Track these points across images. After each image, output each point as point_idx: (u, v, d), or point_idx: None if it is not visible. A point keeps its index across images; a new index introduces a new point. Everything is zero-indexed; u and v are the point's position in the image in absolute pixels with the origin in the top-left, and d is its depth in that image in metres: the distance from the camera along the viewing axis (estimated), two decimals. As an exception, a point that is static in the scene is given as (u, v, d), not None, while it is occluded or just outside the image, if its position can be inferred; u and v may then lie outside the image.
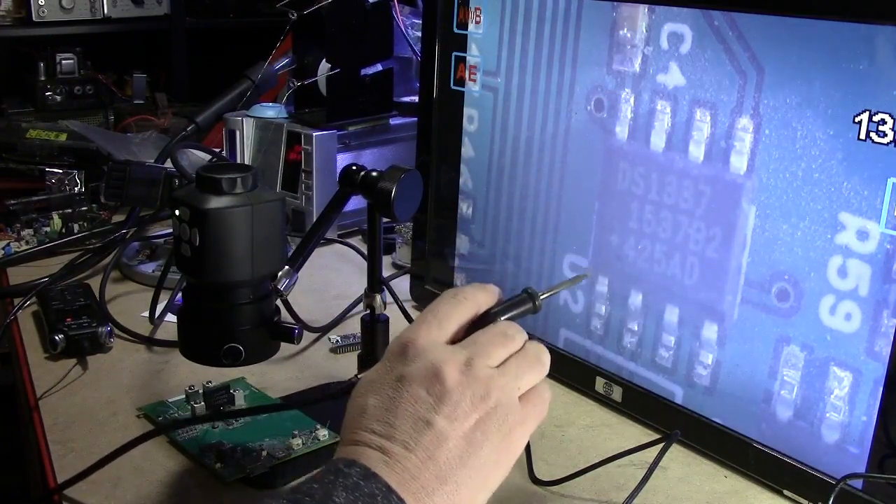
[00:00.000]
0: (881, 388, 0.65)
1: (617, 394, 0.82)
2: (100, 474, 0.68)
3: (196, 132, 1.29)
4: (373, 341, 0.76)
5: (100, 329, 0.90)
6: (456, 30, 0.93)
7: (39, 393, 0.82)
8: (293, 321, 0.93)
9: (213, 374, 0.81)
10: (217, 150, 1.28)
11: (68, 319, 0.91)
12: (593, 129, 0.81)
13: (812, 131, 0.66)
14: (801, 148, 0.67)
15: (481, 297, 0.57)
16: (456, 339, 0.55)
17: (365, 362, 0.77)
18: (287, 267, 0.74)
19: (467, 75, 0.93)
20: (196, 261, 0.66)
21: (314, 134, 1.19)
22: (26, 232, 1.20)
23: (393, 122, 1.29)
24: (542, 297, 0.59)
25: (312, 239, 0.77)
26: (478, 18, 0.91)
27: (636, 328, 0.81)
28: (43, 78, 1.87)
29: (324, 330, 0.96)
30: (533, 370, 0.54)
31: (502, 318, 0.57)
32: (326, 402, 0.80)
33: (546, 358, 0.55)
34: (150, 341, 0.93)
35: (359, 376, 0.57)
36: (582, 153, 0.83)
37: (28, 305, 0.99)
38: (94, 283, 1.03)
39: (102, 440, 0.75)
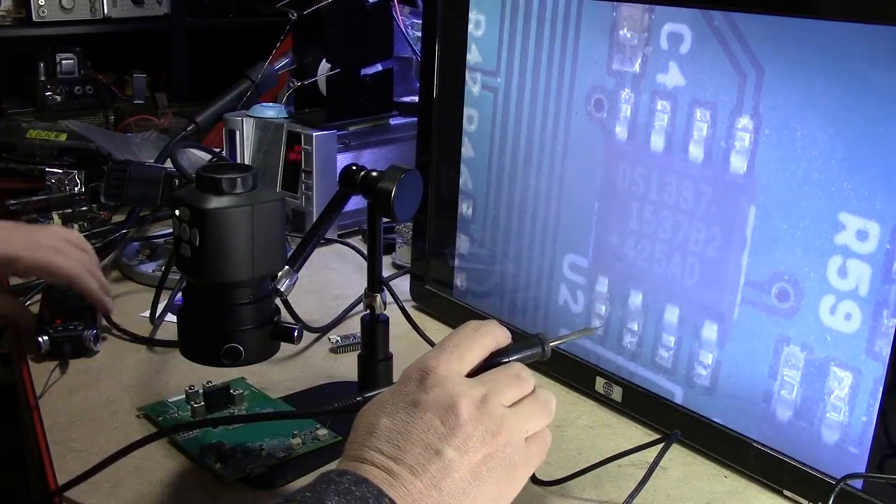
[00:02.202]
0: (881, 388, 0.65)
1: (617, 394, 0.82)
2: (100, 474, 0.68)
3: (196, 132, 1.29)
4: (373, 341, 0.76)
5: (84, 332, 0.89)
6: (456, 30, 0.93)
7: (39, 393, 0.82)
8: (293, 321, 0.93)
9: (213, 374, 0.81)
10: (217, 150, 1.28)
11: (58, 321, 0.90)
12: (593, 129, 0.81)
13: (812, 131, 0.66)
14: (801, 148, 0.67)
15: (500, 335, 0.59)
16: (472, 373, 0.56)
17: (365, 362, 0.78)
18: (287, 267, 0.74)
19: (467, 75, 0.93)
20: (196, 261, 0.66)
21: (314, 134, 1.19)
22: (26, 232, 1.20)
23: (393, 122, 1.29)
24: (551, 344, 0.62)
25: (312, 239, 0.77)
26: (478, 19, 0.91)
27: (636, 328, 0.81)
28: (43, 78, 1.87)
29: (324, 330, 0.97)
30: (541, 415, 0.56)
31: (513, 359, 0.59)
32: (327, 401, 0.80)
33: (553, 405, 0.57)
34: (150, 341, 0.93)
35: (365, 396, 0.58)
36: (582, 153, 0.83)
37: (28, 305, 0.99)
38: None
39: (102, 440, 0.75)
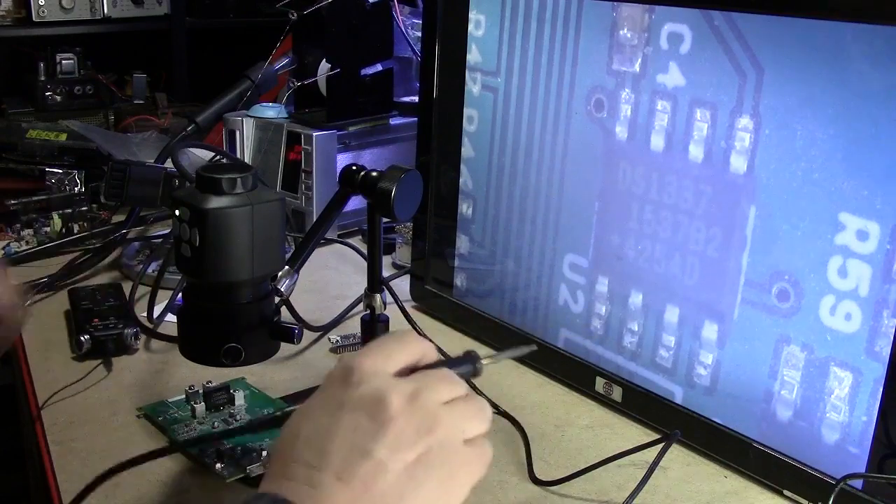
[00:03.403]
0: (881, 388, 0.65)
1: (617, 394, 0.82)
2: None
3: (196, 132, 1.29)
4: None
5: (126, 331, 0.90)
6: (456, 30, 0.93)
7: (41, 393, 0.82)
8: (293, 321, 0.93)
9: (213, 374, 0.81)
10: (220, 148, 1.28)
11: (95, 320, 0.91)
12: (593, 129, 0.81)
13: (812, 131, 0.66)
14: (801, 148, 0.67)
15: (426, 347, 0.53)
16: (398, 375, 0.51)
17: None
18: (287, 267, 0.74)
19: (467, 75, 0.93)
20: (196, 261, 0.66)
21: (314, 134, 1.19)
22: (26, 232, 1.20)
23: (393, 122, 1.29)
24: (483, 362, 0.56)
25: (312, 239, 0.77)
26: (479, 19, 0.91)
27: (636, 328, 0.81)
28: (43, 78, 1.87)
29: (324, 330, 0.97)
30: (478, 417, 0.50)
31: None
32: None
33: (489, 415, 0.52)
34: (152, 333, 0.93)
35: (289, 409, 0.54)
36: (582, 153, 0.83)
37: (28, 305, 0.99)
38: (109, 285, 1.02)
39: (103, 440, 0.75)
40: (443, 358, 0.55)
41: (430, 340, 0.55)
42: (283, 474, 0.46)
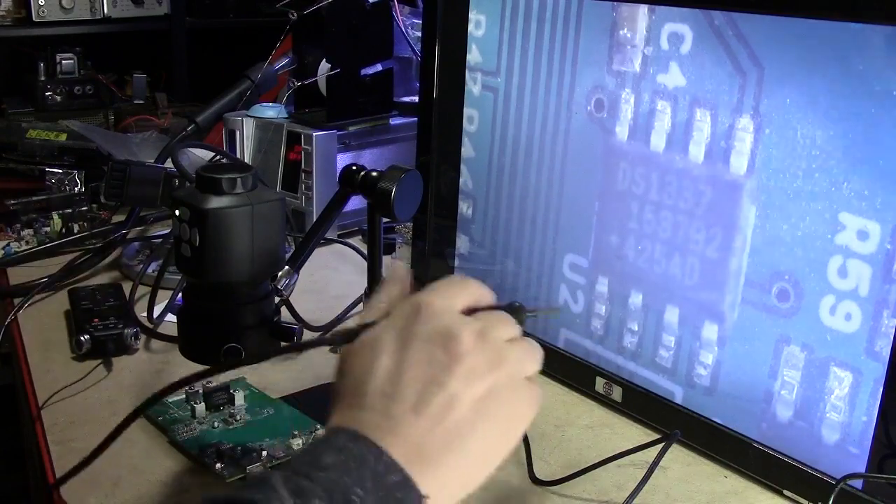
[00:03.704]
0: (881, 388, 0.65)
1: (617, 394, 0.82)
2: (100, 474, 0.68)
3: (196, 132, 1.29)
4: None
5: (126, 331, 0.90)
6: (456, 30, 0.93)
7: (41, 393, 0.82)
8: (293, 321, 0.93)
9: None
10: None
11: (95, 320, 0.91)
12: (593, 129, 0.81)
13: (812, 131, 0.66)
14: (801, 148, 0.67)
15: (482, 291, 0.55)
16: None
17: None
18: (287, 267, 0.74)
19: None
20: (196, 261, 0.66)
21: (314, 134, 1.19)
22: (26, 232, 1.20)
23: (393, 122, 1.29)
24: (527, 315, 0.58)
25: (312, 239, 0.77)
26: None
27: (636, 328, 0.81)
28: (43, 78, 1.87)
29: (324, 330, 0.96)
30: (534, 358, 0.53)
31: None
32: (327, 401, 0.80)
33: (541, 355, 0.54)
34: (152, 333, 0.93)
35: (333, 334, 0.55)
36: (582, 153, 0.83)
37: (28, 305, 0.99)
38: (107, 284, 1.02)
39: (102, 440, 0.75)
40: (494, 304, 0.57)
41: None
42: (356, 404, 0.48)
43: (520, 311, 0.58)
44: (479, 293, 0.55)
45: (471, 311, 0.53)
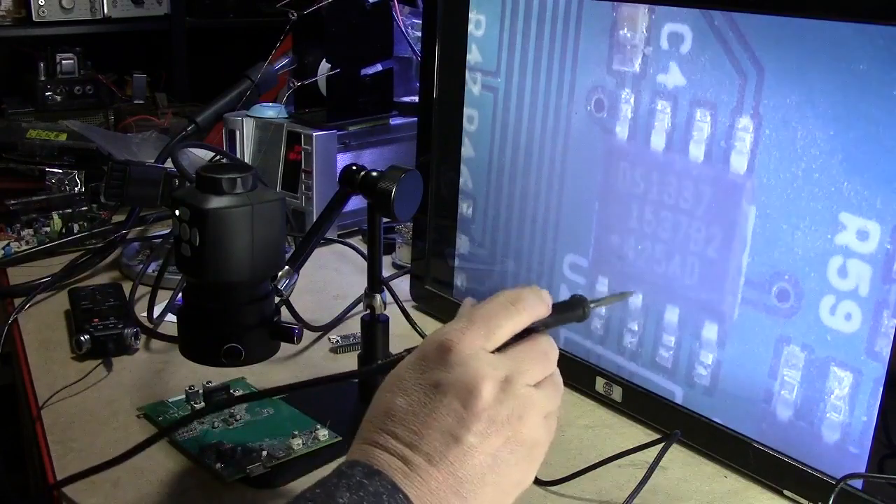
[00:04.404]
0: (881, 388, 0.65)
1: (617, 394, 0.82)
2: (100, 474, 0.68)
3: (196, 132, 1.29)
4: (373, 341, 0.77)
5: (126, 331, 0.90)
6: (456, 30, 0.93)
7: (41, 393, 0.82)
8: (293, 321, 0.93)
9: (213, 374, 0.81)
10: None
11: (95, 320, 0.91)
12: (593, 129, 0.81)
13: (812, 131, 0.66)
14: (801, 148, 0.67)
15: (539, 309, 0.54)
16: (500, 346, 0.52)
17: (365, 362, 0.77)
18: (287, 267, 0.74)
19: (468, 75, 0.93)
20: (196, 261, 0.66)
21: (314, 134, 1.19)
22: (26, 232, 1.20)
23: (393, 122, 1.29)
24: (591, 307, 0.58)
25: (312, 239, 0.77)
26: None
27: (636, 328, 0.81)
28: (43, 78, 1.87)
29: (324, 330, 0.97)
30: (557, 394, 0.53)
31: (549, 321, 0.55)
32: (326, 401, 0.80)
33: (561, 391, 0.54)
34: (153, 333, 0.93)
35: (384, 361, 0.55)
36: (582, 153, 0.83)
37: (29, 307, 0.99)
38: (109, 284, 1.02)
39: (102, 440, 0.75)
40: (554, 313, 0.56)
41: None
42: (375, 443, 0.48)
43: (582, 303, 0.57)
44: (530, 317, 0.53)
45: (510, 341, 0.52)
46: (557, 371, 0.54)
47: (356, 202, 0.76)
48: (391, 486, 0.46)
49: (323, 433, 0.76)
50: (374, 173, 0.71)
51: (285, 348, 0.81)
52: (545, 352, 0.53)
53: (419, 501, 0.47)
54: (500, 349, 0.52)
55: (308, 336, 0.95)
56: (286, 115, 1.27)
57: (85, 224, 1.21)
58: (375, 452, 0.48)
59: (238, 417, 0.78)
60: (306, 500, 0.46)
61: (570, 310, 0.57)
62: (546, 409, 0.51)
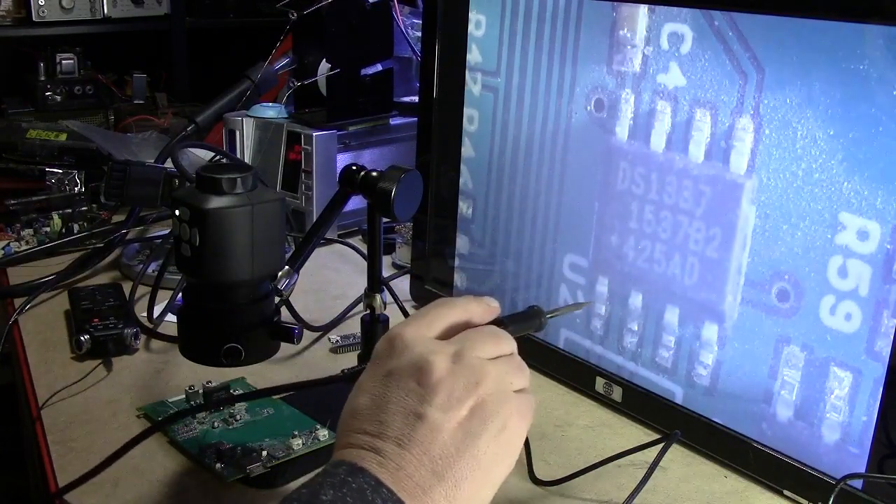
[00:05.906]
0: (881, 388, 0.65)
1: (617, 394, 0.82)
2: (100, 474, 0.68)
3: (196, 132, 1.29)
4: (373, 341, 0.76)
5: (126, 331, 0.90)
6: (456, 30, 0.93)
7: (41, 393, 0.82)
8: (293, 321, 0.93)
9: (213, 374, 0.81)
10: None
11: (95, 320, 0.91)
12: (593, 129, 0.81)
13: (812, 131, 0.66)
14: (801, 148, 0.67)
15: (474, 308, 0.55)
16: (442, 338, 0.53)
17: (365, 362, 0.77)
18: (287, 267, 0.74)
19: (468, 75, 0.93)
20: (196, 261, 0.66)
21: (314, 134, 1.19)
22: (26, 232, 1.20)
23: (393, 122, 1.29)
24: (547, 317, 0.59)
25: (312, 239, 0.77)
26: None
27: (636, 328, 0.81)
28: (43, 78, 1.87)
29: (324, 330, 0.97)
30: (521, 374, 0.53)
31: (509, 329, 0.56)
32: (326, 401, 0.80)
33: (527, 370, 0.54)
34: (153, 333, 0.93)
35: (345, 370, 0.57)
36: (582, 153, 0.83)
37: (29, 308, 0.99)
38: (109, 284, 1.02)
39: (102, 440, 0.75)
40: (499, 318, 0.57)
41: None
42: (348, 444, 0.49)
43: (539, 314, 0.59)
44: (464, 314, 0.55)
45: (457, 331, 0.53)
46: (518, 356, 0.54)
47: (356, 202, 0.76)
48: (375, 482, 0.46)
49: (323, 433, 0.76)
50: (374, 173, 0.71)
51: (285, 348, 0.81)
52: (492, 332, 0.54)
53: (399, 488, 0.46)
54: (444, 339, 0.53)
55: (308, 336, 0.95)
56: (286, 115, 1.27)
57: (85, 224, 1.21)
58: (352, 453, 0.48)
59: (238, 417, 0.78)
60: (292, 501, 0.46)
61: (527, 320, 0.59)
62: (507, 380, 0.51)
